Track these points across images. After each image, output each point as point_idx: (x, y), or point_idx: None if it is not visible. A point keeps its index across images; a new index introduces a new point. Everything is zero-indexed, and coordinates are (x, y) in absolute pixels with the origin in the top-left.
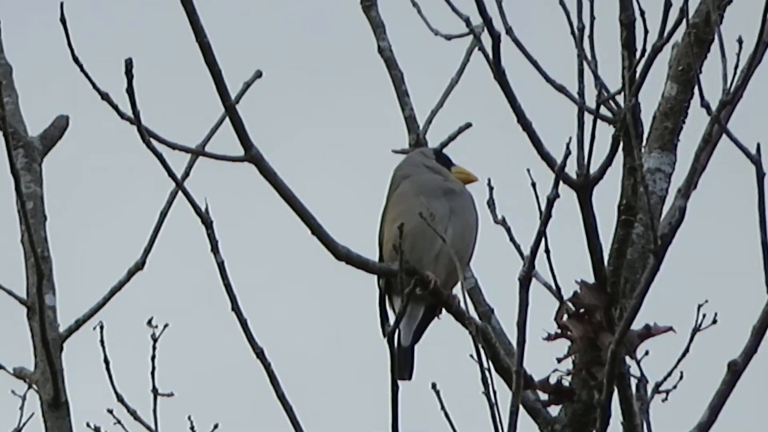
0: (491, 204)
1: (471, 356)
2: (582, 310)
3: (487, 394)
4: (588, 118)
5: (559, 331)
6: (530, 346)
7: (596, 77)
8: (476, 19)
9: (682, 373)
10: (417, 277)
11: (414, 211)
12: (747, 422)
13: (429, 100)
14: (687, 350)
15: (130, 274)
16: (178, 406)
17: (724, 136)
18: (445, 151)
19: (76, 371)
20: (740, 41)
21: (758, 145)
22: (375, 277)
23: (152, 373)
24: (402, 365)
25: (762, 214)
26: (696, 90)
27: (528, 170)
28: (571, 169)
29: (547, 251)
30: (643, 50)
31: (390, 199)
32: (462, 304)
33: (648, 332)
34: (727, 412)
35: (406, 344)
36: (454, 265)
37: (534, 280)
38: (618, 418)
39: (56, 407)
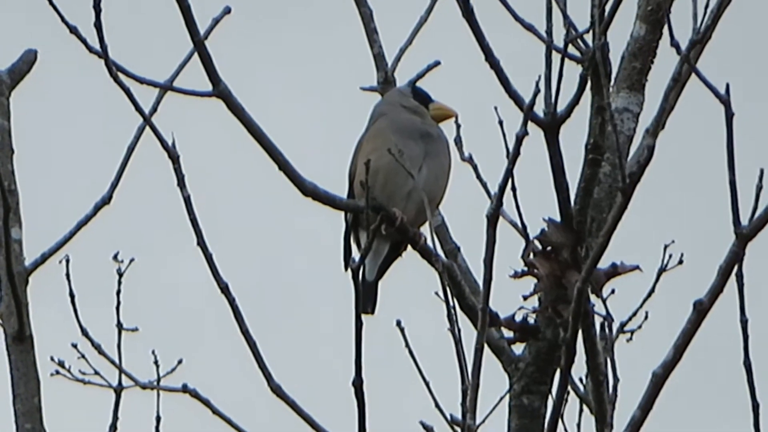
0: (458, 141)
1: (436, 294)
2: (549, 248)
3: (452, 331)
4: (556, 57)
5: (525, 269)
6: (496, 285)
7: (565, 16)
8: None
9: (647, 313)
10: (384, 214)
11: (388, 148)
12: (711, 362)
13: (398, 38)
14: (652, 290)
15: (97, 208)
16: (142, 341)
17: (693, 75)
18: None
19: (41, 305)
20: None
21: (727, 85)
22: (342, 212)
23: (117, 308)
24: (366, 299)
25: (730, 154)
26: (665, 30)
27: (495, 108)
28: (539, 109)
29: (514, 189)
30: None
31: (365, 135)
32: (428, 242)
33: (615, 271)
34: (692, 352)
35: (371, 279)
36: (424, 205)
37: (501, 218)
38: (582, 356)
39: (20, 341)
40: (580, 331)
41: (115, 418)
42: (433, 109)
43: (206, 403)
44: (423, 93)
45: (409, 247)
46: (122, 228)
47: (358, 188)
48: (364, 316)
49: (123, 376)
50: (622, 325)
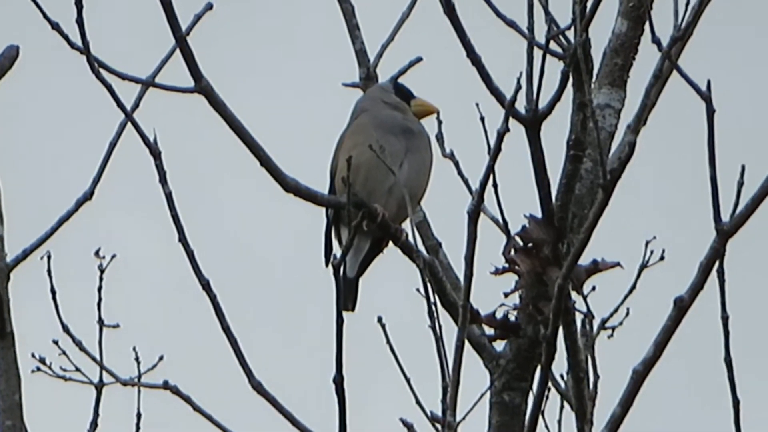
0: (440, 138)
1: (418, 290)
2: (530, 245)
3: (432, 328)
4: (538, 54)
5: (506, 265)
6: (477, 281)
7: (546, 12)
8: None
9: (628, 309)
10: (365, 210)
11: (369, 144)
12: (692, 359)
13: (380, 34)
14: (634, 287)
15: (78, 204)
16: (123, 338)
17: (674, 72)
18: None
19: (23, 301)
20: None
21: (708, 82)
22: (323, 208)
23: (98, 305)
24: (346, 296)
25: (711, 151)
26: (647, 26)
27: (477, 105)
28: (521, 105)
29: (495, 186)
30: None
31: (347, 130)
32: (410, 238)
33: (595, 267)
34: (672, 349)
35: (352, 276)
36: (405, 200)
37: (482, 214)
38: (563, 353)
39: (2, 337)
40: (560, 328)
41: (96, 414)
42: (415, 105)
43: (187, 399)
44: (405, 89)
45: (391, 243)
46: (104, 224)
47: (340, 184)
48: (344, 313)
49: (104, 373)
50: (603, 321)
